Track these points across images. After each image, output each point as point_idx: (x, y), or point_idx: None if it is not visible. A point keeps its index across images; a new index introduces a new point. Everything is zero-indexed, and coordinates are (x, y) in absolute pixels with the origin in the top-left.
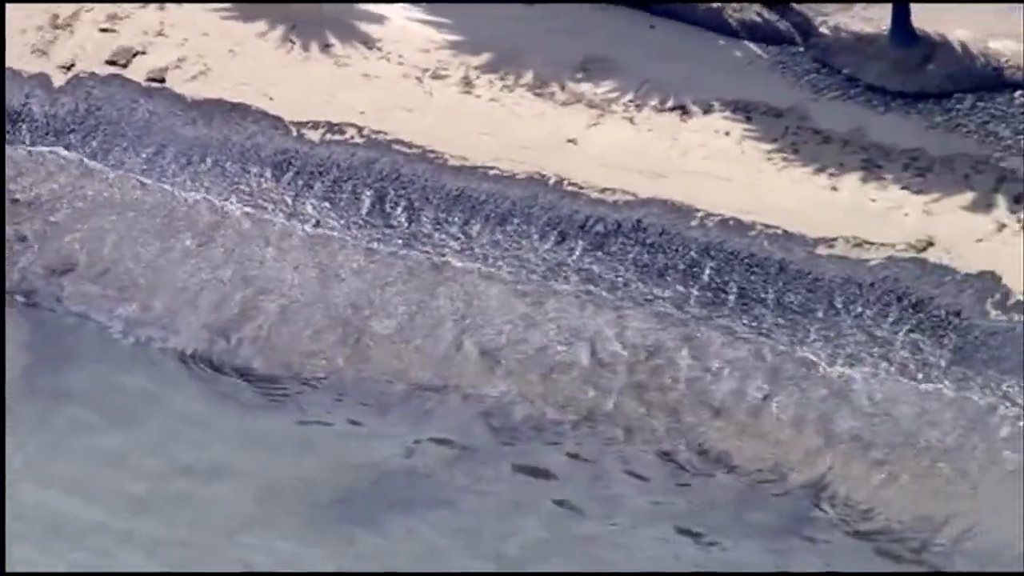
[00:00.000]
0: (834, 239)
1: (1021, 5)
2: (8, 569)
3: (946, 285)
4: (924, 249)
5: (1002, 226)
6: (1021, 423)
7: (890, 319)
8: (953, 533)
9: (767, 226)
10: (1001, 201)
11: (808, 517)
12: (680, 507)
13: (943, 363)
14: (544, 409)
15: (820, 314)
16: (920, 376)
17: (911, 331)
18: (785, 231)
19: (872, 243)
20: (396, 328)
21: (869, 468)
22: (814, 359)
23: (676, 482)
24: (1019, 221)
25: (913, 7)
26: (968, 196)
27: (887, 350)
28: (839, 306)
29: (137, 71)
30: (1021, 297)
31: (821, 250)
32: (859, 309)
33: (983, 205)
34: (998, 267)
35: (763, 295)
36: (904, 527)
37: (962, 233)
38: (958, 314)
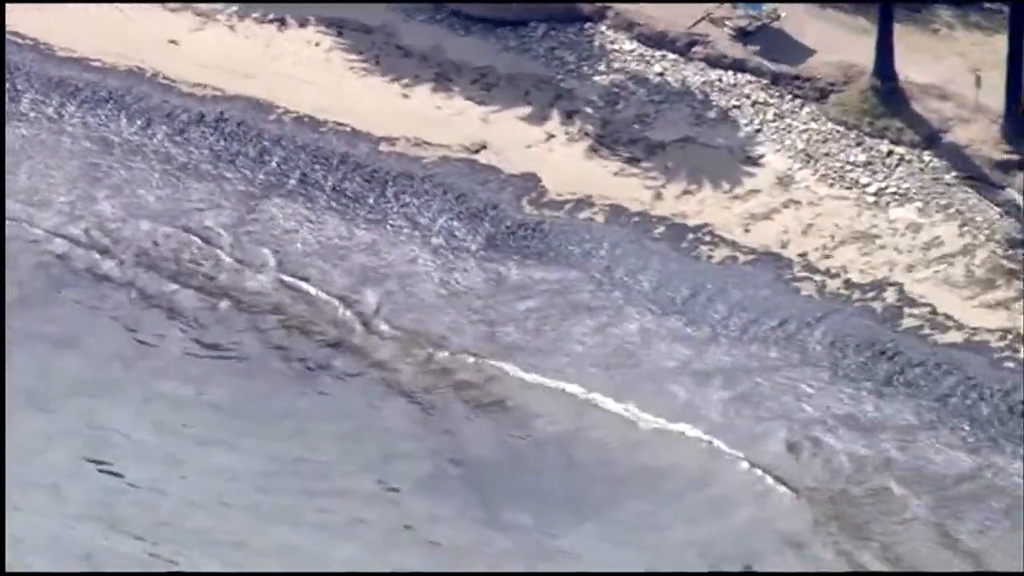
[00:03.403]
0: (397, 138)
1: None
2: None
3: (490, 183)
4: (477, 152)
5: (551, 136)
6: (542, 300)
7: (433, 208)
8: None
9: (338, 124)
10: (555, 115)
11: (331, 360)
12: (227, 342)
13: (474, 247)
14: (104, 260)
15: (371, 201)
16: (451, 256)
17: (450, 219)
18: (354, 129)
19: (431, 144)
20: None
21: (386, 335)
22: (356, 239)
23: (223, 325)
24: (567, 133)
25: None
26: (526, 109)
27: (425, 233)
28: (389, 195)
29: None
30: (555, 196)
31: (383, 147)
32: (407, 199)
33: (538, 118)
34: (540, 171)
35: (322, 182)
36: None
37: (514, 140)
38: (495, 207)
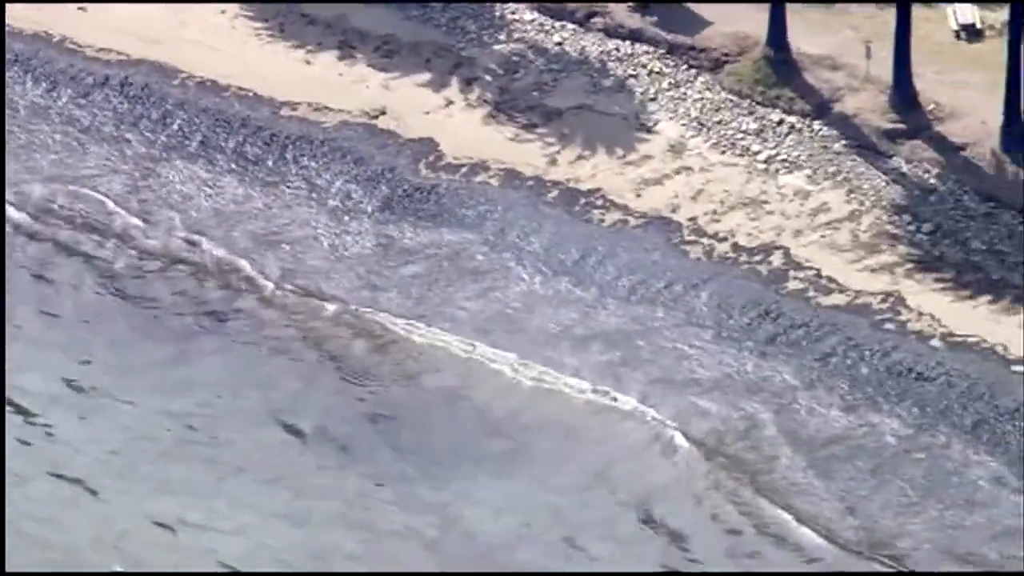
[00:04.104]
0: (298, 103)
1: None
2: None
3: (388, 147)
4: (376, 117)
5: (450, 102)
6: (434, 261)
7: (331, 171)
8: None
9: (241, 89)
10: (454, 82)
11: (226, 319)
12: (125, 300)
13: (370, 208)
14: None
15: (270, 163)
16: (347, 218)
17: (348, 182)
18: (256, 94)
19: (332, 109)
20: None
21: (281, 294)
22: (254, 200)
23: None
24: (466, 99)
25: None
26: (426, 76)
27: (323, 195)
28: (288, 157)
29: None
30: (452, 160)
31: (285, 112)
32: (306, 161)
33: (438, 84)
34: (438, 136)
35: (223, 144)
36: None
37: (413, 106)
38: (392, 171)
